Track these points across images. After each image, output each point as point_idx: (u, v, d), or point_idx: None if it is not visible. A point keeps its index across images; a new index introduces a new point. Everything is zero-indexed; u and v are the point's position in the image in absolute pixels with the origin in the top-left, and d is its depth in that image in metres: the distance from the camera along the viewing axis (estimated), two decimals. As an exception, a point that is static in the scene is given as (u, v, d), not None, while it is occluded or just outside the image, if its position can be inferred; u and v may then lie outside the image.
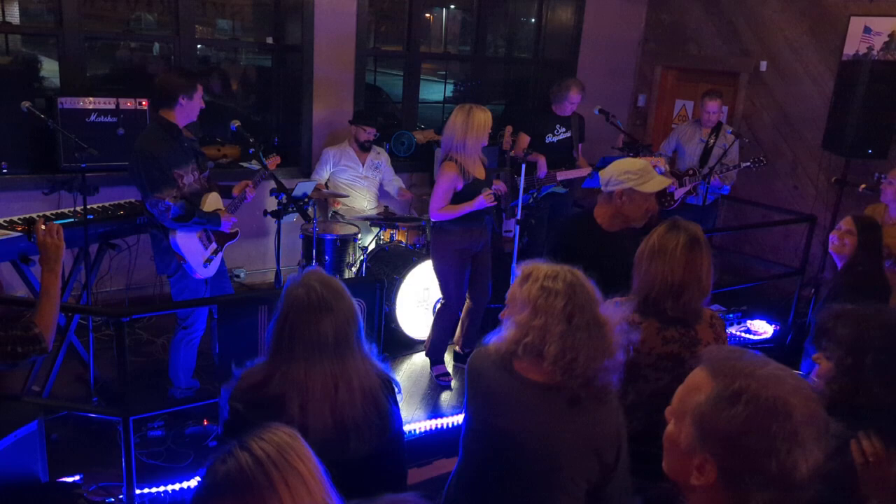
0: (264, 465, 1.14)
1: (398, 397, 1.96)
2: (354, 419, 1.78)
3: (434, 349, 4.43)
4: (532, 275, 1.86)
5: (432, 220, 4.05)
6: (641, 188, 2.88)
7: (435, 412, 4.05)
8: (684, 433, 1.18)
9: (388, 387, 1.91)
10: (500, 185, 4.07)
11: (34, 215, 3.81)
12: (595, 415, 1.82)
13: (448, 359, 4.60)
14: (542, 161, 4.88)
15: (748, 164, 5.23)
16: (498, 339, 1.89)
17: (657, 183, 2.91)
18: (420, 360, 4.61)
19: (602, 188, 2.99)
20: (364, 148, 5.24)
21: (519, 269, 1.94)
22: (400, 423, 1.93)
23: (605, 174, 2.98)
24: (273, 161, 4.00)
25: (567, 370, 1.76)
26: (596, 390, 1.79)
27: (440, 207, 3.93)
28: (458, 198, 3.92)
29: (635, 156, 4.75)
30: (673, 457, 1.23)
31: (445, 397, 4.24)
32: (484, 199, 3.88)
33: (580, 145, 5.32)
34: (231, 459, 1.14)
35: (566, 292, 1.79)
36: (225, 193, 3.80)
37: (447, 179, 3.88)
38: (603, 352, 1.78)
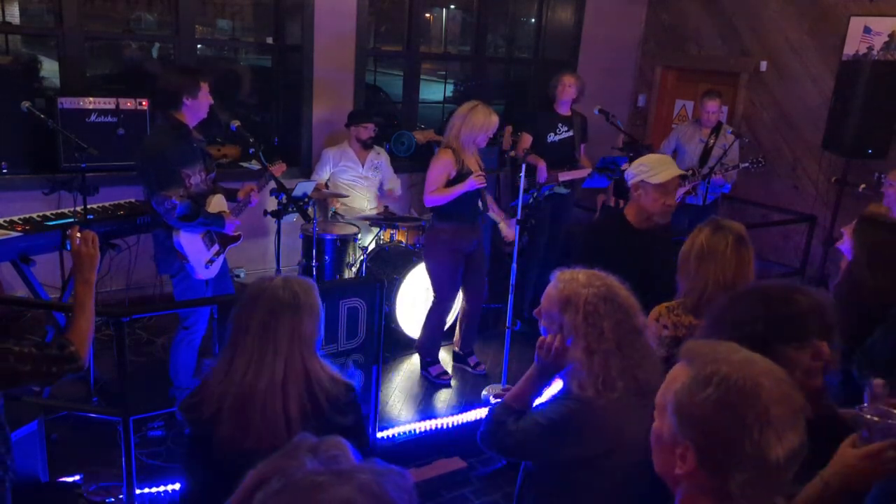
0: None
1: (355, 395, 1.92)
2: (301, 412, 1.77)
3: (425, 349, 4.40)
4: (572, 301, 1.80)
5: (426, 205, 4.15)
6: (652, 179, 2.91)
7: (434, 412, 4.05)
8: (666, 425, 1.20)
9: (342, 388, 1.88)
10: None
11: (34, 215, 3.82)
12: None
13: (447, 359, 4.60)
14: (541, 165, 4.87)
15: (746, 164, 5.23)
16: (578, 385, 1.80)
17: (667, 174, 2.93)
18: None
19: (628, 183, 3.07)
20: (366, 146, 5.23)
21: (554, 278, 1.89)
22: (355, 418, 1.90)
23: (628, 170, 3.08)
24: (279, 167, 4.00)
25: (635, 393, 1.78)
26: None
27: (432, 191, 4.02)
28: (451, 185, 3.99)
29: (635, 156, 4.74)
30: (660, 452, 1.23)
31: (444, 397, 4.24)
32: (473, 181, 3.92)
33: (583, 146, 5.31)
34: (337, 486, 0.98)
35: (609, 318, 1.78)
36: (229, 196, 3.80)
37: (441, 164, 4.00)
38: (654, 363, 1.82)
